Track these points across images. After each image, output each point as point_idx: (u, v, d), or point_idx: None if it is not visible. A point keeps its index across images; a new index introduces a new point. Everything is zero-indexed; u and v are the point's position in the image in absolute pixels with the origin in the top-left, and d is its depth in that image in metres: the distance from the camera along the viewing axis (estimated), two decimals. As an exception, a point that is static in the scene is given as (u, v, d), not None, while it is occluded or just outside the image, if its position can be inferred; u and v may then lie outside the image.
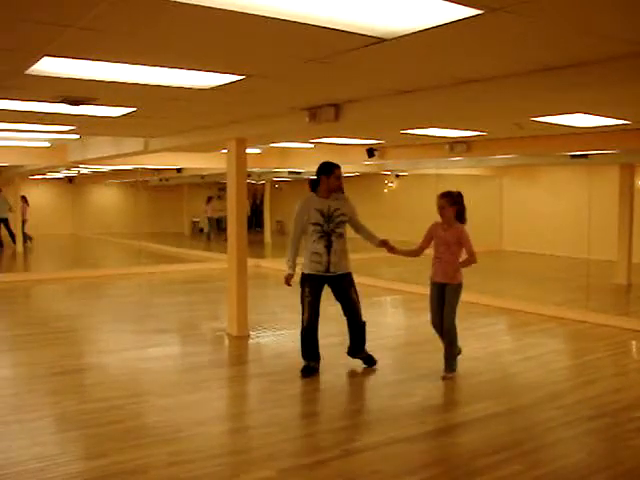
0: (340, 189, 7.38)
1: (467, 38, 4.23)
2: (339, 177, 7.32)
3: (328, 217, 7.23)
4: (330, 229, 7.25)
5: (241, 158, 9.20)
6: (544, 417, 6.05)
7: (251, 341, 9.02)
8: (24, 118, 8.46)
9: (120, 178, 27.55)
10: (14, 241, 22.58)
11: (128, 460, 5.01)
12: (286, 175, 22.48)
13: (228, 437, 5.78)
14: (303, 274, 7.34)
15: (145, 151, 11.91)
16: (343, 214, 7.33)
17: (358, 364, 7.65)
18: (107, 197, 31.86)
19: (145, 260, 19.42)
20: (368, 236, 7.79)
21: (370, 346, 7.71)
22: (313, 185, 7.37)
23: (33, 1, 3.50)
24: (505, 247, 20.40)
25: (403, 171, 21.61)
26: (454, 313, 7.20)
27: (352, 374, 7.51)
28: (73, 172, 24.90)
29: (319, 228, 7.22)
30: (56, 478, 4.71)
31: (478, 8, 3.49)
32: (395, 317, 12.01)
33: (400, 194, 23.79)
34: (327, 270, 7.27)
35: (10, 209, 22.66)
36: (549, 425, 5.85)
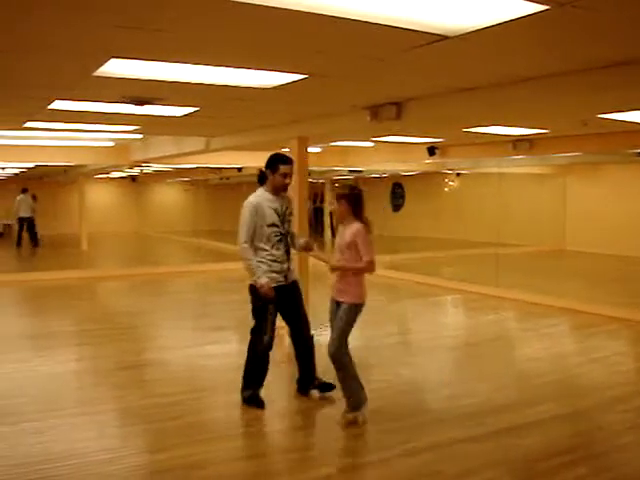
0: (285, 190, 6.20)
1: (532, 34, 4.18)
2: (286, 176, 6.09)
3: (282, 217, 6.15)
4: (286, 231, 6.20)
5: (302, 157, 9.22)
6: (609, 420, 5.94)
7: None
8: (90, 118, 8.63)
9: (181, 177, 27.89)
10: (35, 243, 23.29)
11: (189, 455, 5.08)
12: (346, 174, 22.48)
13: (288, 434, 5.81)
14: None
15: (206, 150, 12.03)
16: (292, 214, 6.38)
17: (414, 365, 7.58)
18: (169, 195, 32.32)
19: (204, 258, 19.64)
20: (294, 240, 6.45)
21: (429, 346, 7.64)
22: (261, 178, 6.23)
23: (102, 5, 3.57)
24: (568, 247, 20.05)
25: (464, 170, 21.41)
26: (343, 338, 5.86)
27: (411, 373, 7.46)
28: (136, 171, 25.29)
29: (277, 230, 6.08)
30: (121, 470, 4.81)
31: (544, 4, 3.45)
32: (455, 317, 11.90)
33: (461, 193, 23.57)
34: (286, 279, 6.24)
35: (34, 210, 23.36)
36: (614, 429, 5.74)
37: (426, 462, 4.94)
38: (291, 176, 6.16)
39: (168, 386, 6.85)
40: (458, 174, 23.08)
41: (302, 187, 9.26)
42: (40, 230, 23.95)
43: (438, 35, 4.15)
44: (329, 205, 26.23)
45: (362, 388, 5.81)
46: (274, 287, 6.04)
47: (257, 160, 16.64)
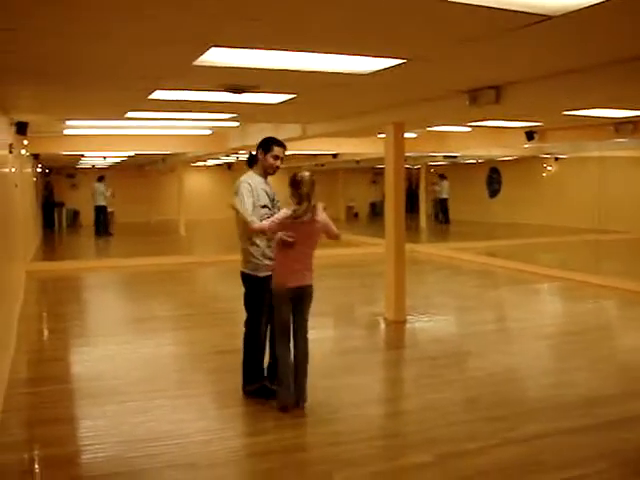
0: (274, 173, 5.99)
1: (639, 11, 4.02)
2: (277, 158, 5.91)
3: (272, 201, 5.93)
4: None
5: (399, 142, 9.16)
6: None
7: (408, 325, 8.99)
8: (190, 107, 8.79)
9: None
10: (106, 231, 23.76)
11: (288, 438, 5.15)
12: (442, 159, 22.27)
13: (385, 420, 5.81)
14: (258, 277, 5.81)
15: (303, 137, 12.10)
16: (278, 201, 6.05)
17: (513, 354, 7.44)
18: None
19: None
20: None
21: (528, 334, 7.48)
22: (250, 162, 6.05)
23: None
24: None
25: (563, 154, 20.90)
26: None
27: (510, 361, 7.34)
28: (232, 158, 25.67)
29: (270, 213, 5.81)
30: (220, 451, 4.91)
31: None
32: (554, 305, 11.64)
33: (559, 178, 23.03)
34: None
35: (112, 195, 23.91)
36: None
37: (527, 452, 4.85)
38: (282, 160, 6.00)
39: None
40: (557, 158, 22.57)
41: (399, 173, 9.19)
42: (139, 217, 24.53)
43: (541, 15, 4.04)
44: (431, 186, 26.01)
45: None
46: (265, 277, 5.78)
47: (352, 147, 16.82)
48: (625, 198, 18.53)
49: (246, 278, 5.90)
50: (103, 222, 23.93)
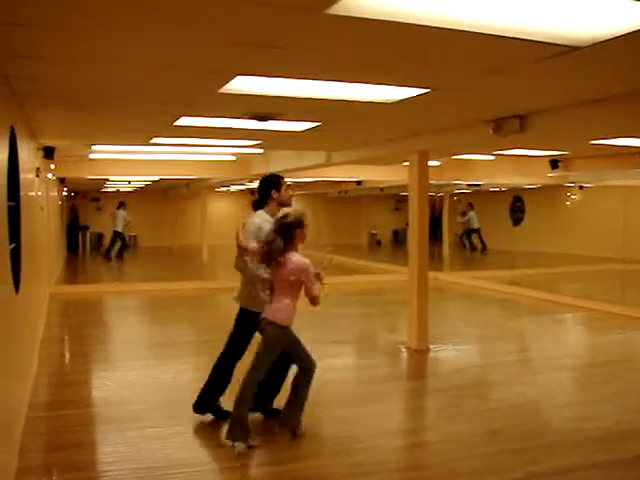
0: (291, 204, 6.08)
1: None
2: (287, 188, 6.09)
3: None
4: None
5: (423, 170, 9.15)
6: None
7: (431, 355, 8.93)
8: (214, 134, 8.85)
9: (301, 190, 28.24)
10: (120, 255, 23.93)
11: (307, 468, 5.11)
12: (465, 187, 22.22)
13: (407, 451, 5.76)
14: (254, 314, 5.79)
15: (327, 164, 12.13)
16: None
17: (536, 385, 7.37)
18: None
19: (328, 272, 19.73)
20: None
21: (552, 365, 7.39)
22: (259, 203, 6.09)
23: (229, 25, 3.65)
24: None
25: (588, 183, 20.79)
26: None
27: (533, 392, 7.25)
28: (254, 184, 25.77)
29: None
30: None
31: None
32: (577, 335, 11.51)
33: (584, 207, 22.89)
34: None
35: (128, 222, 24.19)
36: None
37: (550, 487, 4.78)
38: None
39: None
40: (581, 187, 22.45)
41: (422, 201, 9.18)
42: (162, 242, 24.68)
43: (567, 46, 4.03)
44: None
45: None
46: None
47: (377, 174, 16.83)
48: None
49: (246, 315, 5.98)
50: (120, 247, 24.16)
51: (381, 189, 23.38)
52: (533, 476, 4.96)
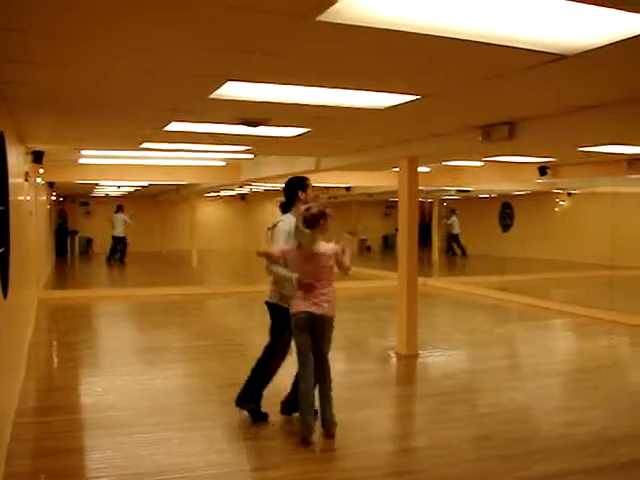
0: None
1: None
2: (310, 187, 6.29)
3: None
4: None
5: (413, 176, 9.18)
6: None
7: (420, 360, 8.94)
8: (204, 139, 8.84)
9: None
10: (121, 260, 23.73)
11: (298, 473, 5.10)
12: (455, 193, 22.27)
13: (395, 457, 5.75)
14: (285, 309, 6.04)
15: (316, 170, 12.13)
16: None
17: (525, 390, 7.39)
18: (277, 214, 32.68)
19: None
20: None
21: (540, 370, 7.42)
22: (287, 206, 6.30)
23: (219, 32, 3.65)
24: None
25: (576, 189, 20.89)
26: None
27: (522, 398, 7.26)
28: (245, 190, 25.78)
29: None
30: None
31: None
32: (566, 341, 11.55)
33: (572, 213, 22.98)
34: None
35: (127, 224, 23.86)
36: None
37: (539, 492, 4.79)
38: None
39: (276, 404, 6.87)
40: (569, 194, 22.55)
41: (412, 207, 9.20)
42: (151, 246, 24.62)
43: (556, 54, 4.05)
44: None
45: None
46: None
47: (365, 180, 16.84)
48: (638, 234, 18.46)
49: (274, 308, 6.23)
50: (121, 252, 23.95)
51: (370, 195, 23.40)
52: (522, 482, 4.97)
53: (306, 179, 6.27)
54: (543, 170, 13.46)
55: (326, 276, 5.82)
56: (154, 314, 13.49)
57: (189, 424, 6.20)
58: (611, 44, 3.78)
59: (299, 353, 5.83)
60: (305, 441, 5.59)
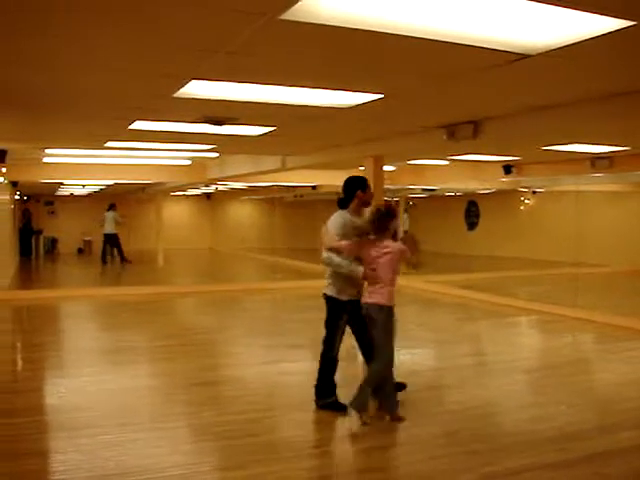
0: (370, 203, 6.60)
1: (616, 51, 4.09)
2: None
3: (366, 234, 6.36)
4: None
5: (378, 175, 9.23)
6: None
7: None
8: (169, 138, 8.80)
9: (256, 194, 28.22)
10: (123, 259, 23.38)
11: (266, 473, 5.07)
12: (420, 192, 22.40)
13: (364, 455, 5.75)
14: (340, 301, 6.44)
15: (282, 169, 12.13)
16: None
17: (490, 387, 7.43)
18: (243, 213, 32.68)
19: (279, 275, 19.74)
20: None
21: (505, 368, 7.47)
22: (344, 202, 6.55)
23: (183, 30, 3.64)
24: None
25: (541, 188, 21.09)
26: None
27: (487, 395, 7.32)
28: (211, 189, 25.69)
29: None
30: (196, 487, 4.82)
31: (629, 19, 3.36)
32: (531, 338, 11.65)
33: (537, 212, 23.21)
34: (359, 294, 6.46)
35: (118, 223, 23.39)
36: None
37: (504, 488, 4.82)
38: None
39: (243, 403, 6.87)
40: (534, 192, 22.77)
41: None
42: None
43: (519, 54, 4.09)
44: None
45: None
46: (347, 300, 6.40)
47: (331, 178, 16.85)
48: (602, 232, 18.70)
49: (329, 300, 6.53)
50: (118, 250, 23.47)
51: (337, 194, 23.43)
52: (488, 477, 5.00)
53: (366, 179, 6.54)
54: (508, 169, 13.59)
55: (394, 272, 6.26)
56: (119, 314, 13.37)
57: (154, 424, 6.15)
58: (573, 44, 3.84)
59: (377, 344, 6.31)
60: (399, 418, 6.24)
